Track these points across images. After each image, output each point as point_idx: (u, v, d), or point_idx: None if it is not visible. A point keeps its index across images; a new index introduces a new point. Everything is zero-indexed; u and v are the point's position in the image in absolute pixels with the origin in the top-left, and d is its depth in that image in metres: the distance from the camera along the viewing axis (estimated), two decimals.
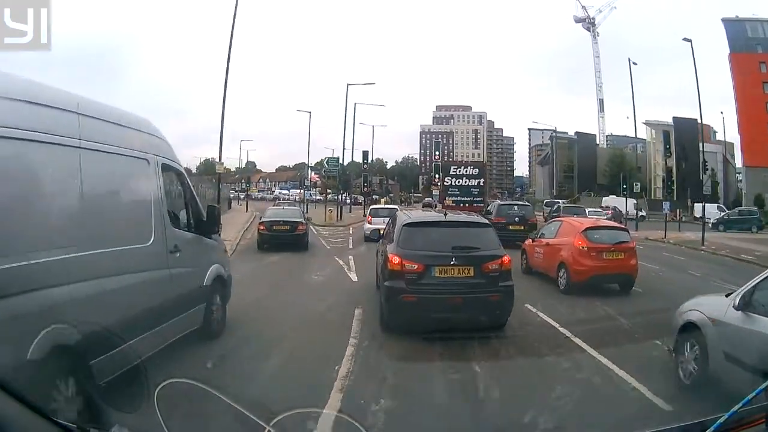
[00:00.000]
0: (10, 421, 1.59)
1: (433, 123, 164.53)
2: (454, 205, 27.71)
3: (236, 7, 19.27)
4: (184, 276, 5.97)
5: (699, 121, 26.69)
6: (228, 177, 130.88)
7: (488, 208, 22.71)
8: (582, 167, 69.69)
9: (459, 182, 30.70)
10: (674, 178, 45.23)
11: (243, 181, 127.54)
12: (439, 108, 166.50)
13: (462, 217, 9.28)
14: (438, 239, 7.70)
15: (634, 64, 31.69)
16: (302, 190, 46.28)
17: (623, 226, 13.35)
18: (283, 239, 16.71)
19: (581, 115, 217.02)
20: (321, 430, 2.53)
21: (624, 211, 34.09)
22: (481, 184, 29.96)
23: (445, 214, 8.70)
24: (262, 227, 17.43)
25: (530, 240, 13.46)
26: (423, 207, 35.33)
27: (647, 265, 14.21)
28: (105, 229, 4.62)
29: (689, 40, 24.69)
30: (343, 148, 34.87)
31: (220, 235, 7.67)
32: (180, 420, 2.71)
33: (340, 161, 35.58)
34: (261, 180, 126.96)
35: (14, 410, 1.65)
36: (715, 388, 4.82)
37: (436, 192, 35.10)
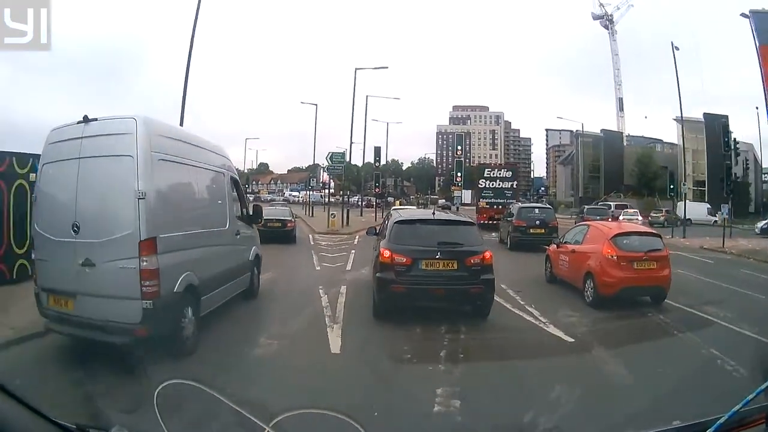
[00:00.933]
0: (10, 422, 1.65)
1: (449, 123, 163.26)
2: (488, 207, 30.14)
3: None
4: (241, 252, 8.97)
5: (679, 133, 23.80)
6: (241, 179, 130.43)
7: (510, 210, 22.55)
8: (607, 167, 66.67)
9: (493, 184, 31.83)
10: (705, 178, 42.47)
11: (253, 182, 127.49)
12: (456, 108, 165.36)
13: (448, 216, 10.37)
14: (425, 235, 8.50)
15: (676, 48, 28.87)
16: (307, 191, 44.66)
17: (655, 232, 12.02)
18: (275, 234, 19.35)
19: (597, 115, 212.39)
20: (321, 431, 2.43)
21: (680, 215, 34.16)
22: (514, 186, 31.01)
23: (434, 213, 9.58)
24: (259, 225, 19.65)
25: (555, 246, 12.71)
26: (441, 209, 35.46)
27: (750, 293, 12.38)
28: (209, 217, 7.53)
29: (677, 48, 22.49)
30: (351, 143, 31.02)
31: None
32: (180, 420, 2.94)
33: (348, 158, 32.27)
34: (272, 181, 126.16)
35: (14, 410, 1.71)
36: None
37: (457, 192, 32.94)
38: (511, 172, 32.44)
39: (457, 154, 33.61)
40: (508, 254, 18.71)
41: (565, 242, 12.06)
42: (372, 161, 39.28)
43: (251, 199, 53.72)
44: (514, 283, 11.84)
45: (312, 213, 41.05)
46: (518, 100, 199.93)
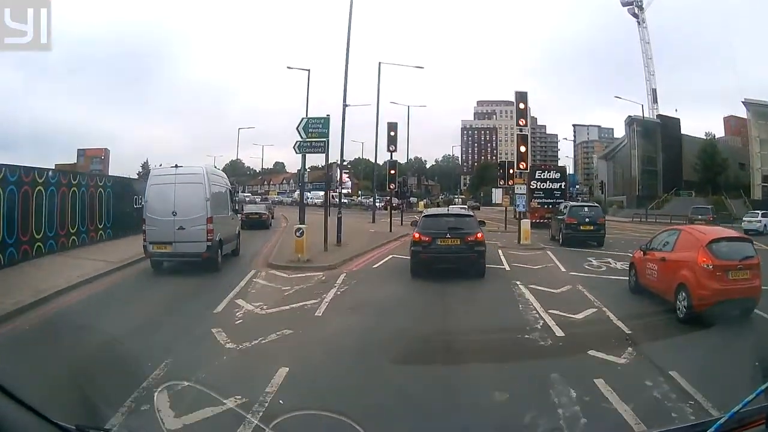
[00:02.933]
0: (10, 422, 1.71)
1: (474, 119, 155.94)
2: (539, 206, 32.90)
3: None
4: (234, 227, 17.56)
5: None
6: (250, 179, 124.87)
7: (561, 209, 24.00)
8: (665, 160, 57.77)
9: (543, 186, 34.71)
10: None
11: (265, 183, 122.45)
12: (480, 103, 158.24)
13: (457, 211, 17.50)
14: (441, 223, 14.24)
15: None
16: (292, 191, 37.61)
17: (747, 237, 11.29)
18: (255, 222, 28.86)
19: (625, 111, 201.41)
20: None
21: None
22: (562, 187, 33.47)
23: (448, 209, 18.93)
24: (243, 217, 25.76)
25: (641, 252, 11.81)
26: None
27: None
28: (224, 209, 15.96)
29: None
30: (343, 111, 20.98)
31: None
32: (180, 421, 3.37)
33: (339, 124, 21.82)
34: (285, 181, 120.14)
35: (14, 411, 1.77)
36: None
37: (519, 190, 25.88)
38: (559, 174, 35.17)
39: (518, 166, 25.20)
40: (565, 251, 19.76)
41: (652, 248, 11.36)
42: (396, 160, 32.05)
43: (258, 201, 56.88)
44: (594, 290, 12.11)
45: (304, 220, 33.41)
46: (543, 95, 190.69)
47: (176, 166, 14.70)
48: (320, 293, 11.77)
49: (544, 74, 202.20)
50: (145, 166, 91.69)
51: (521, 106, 20.94)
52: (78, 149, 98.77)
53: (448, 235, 13.53)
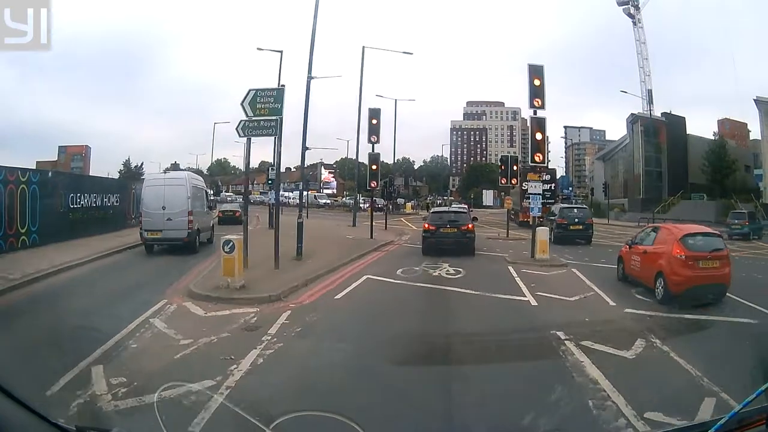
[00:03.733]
0: (10, 422, 1.71)
1: (463, 119, 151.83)
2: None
3: None
4: (209, 220, 21.84)
5: None
6: (235, 178, 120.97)
7: (552, 210, 25.45)
8: (670, 160, 53.34)
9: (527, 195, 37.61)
10: None
11: (251, 182, 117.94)
12: (470, 104, 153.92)
13: (455, 209, 25.64)
14: (443, 217, 19.09)
15: None
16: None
17: (717, 232, 12.45)
18: (229, 218, 30.06)
19: (618, 113, 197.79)
20: None
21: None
22: (552, 188, 30.28)
23: (449, 207, 35.60)
24: (220, 214, 31.00)
25: (627, 246, 13.49)
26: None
27: None
28: (199, 205, 19.43)
29: None
30: (308, 84, 19.40)
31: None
32: (180, 422, 3.23)
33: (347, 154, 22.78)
34: (269, 181, 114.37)
35: (14, 412, 1.76)
36: None
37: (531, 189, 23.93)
38: (549, 176, 32.87)
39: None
40: (592, 268, 16.28)
41: (636, 243, 12.86)
42: (384, 160, 27.35)
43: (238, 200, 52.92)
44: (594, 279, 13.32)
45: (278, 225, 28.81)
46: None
47: (166, 171, 28.42)
48: (232, 357, 6.84)
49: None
50: (127, 164, 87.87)
51: (536, 82, 16.19)
52: (59, 146, 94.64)
53: (448, 226, 18.56)
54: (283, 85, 14.42)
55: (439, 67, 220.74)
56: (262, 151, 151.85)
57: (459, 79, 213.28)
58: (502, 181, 25.40)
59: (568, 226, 23.85)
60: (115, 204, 25.37)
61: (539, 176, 17.00)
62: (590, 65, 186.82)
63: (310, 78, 16.70)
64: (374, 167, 24.05)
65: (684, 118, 56.19)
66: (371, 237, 24.30)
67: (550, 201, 28.64)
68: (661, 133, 53.61)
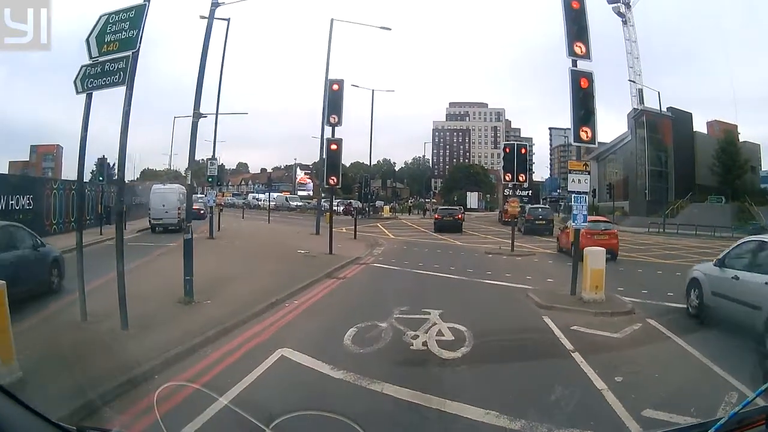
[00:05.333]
0: (11, 423, 1.66)
1: (446, 119, 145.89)
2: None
3: None
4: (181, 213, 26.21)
5: None
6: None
7: (522, 209, 29.97)
8: (676, 160, 47.40)
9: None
10: None
11: (225, 184, 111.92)
12: (453, 104, 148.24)
13: (452, 209, 38.57)
14: (447, 211, 36.39)
15: None
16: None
17: (608, 219, 24.79)
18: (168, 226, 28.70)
19: (613, 111, 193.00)
20: None
21: None
22: (530, 193, 35.75)
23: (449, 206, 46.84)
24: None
25: (559, 230, 22.03)
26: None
27: None
28: (180, 204, 25.82)
29: None
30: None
31: None
32: (179, 422, 3.13)
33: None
34: (243, 182, 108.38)
35: (14, 412, 1.73)
36: None
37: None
38: (527, 183, 38.96)
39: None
40: (524, 237, 28.05)
41: (565, 227, 19.64)
42: (364, 162, 22.59)
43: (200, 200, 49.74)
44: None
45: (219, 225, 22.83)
46: (517, 98, 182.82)
47: (164, 184, 33.59)
48: None
49: (519, 76, 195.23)
50: (103, 162, 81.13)
51: (575, 4, 9.95)
52: (31, 146, 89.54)
53: (447, 216, 33.59)
54: (146, 2, 7.84)
55: (421, 68, 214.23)
56: (246, 153, 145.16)
57: (442, 80, 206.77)
58: (506, 178, 18.95)
59: (534, 221, 31.53)
60: (27, 207, 19.73)
61: (584, 166, 10.60)
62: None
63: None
64: (334, 146, 16.84)
65: (690, 113, 50.64)
66: (330, 252, 17.75)
67: (529, 202, 35.02)
68: (666, 130, 47.75)
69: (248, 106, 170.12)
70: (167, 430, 2.23)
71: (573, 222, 10.38)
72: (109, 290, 7.96)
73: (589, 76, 10.35)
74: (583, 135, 9.94)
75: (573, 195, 10.31)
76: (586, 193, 10.30)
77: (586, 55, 10.55)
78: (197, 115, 9.90)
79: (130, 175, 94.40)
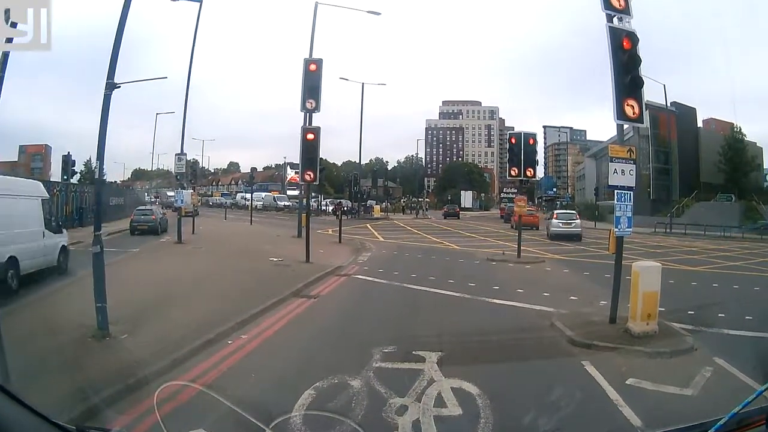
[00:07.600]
0: (11, 423, 1.63)
1: (439, 118, 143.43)
2: (504, 207, 56.25)
3: None
4: (166, 217, 29.85)
5: None
6: (199, 180, 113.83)
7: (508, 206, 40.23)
8: (681, 157, 45.05)
9: (507, 195, 57.38)
10: None
11: (214, 183, 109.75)
12: (446, 103, 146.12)
13: (453, 206, 62.18)
14: (449, 207, 60.09)
15: None
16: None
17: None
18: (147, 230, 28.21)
19: (598, 117, 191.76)
20: None
21: None
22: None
23: (451, 204, 67.82)
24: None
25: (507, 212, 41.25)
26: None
27: None
28: (160, 209, 34.54)
29: None
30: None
31: None
32: (179, 421, 3.00)
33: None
34: (234, 182, 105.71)
35: (15, 412, 1.69)
36: None
37: None
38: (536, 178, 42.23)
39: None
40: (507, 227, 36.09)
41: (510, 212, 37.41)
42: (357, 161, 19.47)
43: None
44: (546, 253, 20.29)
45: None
46: (511, 97, 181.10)
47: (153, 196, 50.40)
48: None
49: (514, 75, 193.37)
50: (88, 165, 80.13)
51: None
52: (20, 146, 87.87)
53: (450, 210, 56.47)
54: None
55: (414, 67, 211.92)
56: (236, 152, 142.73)
57: (435, 79, 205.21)
58: (512, 172, 16.33)
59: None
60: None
61: (629, 153, 8.13)
62: (571, 67, 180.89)
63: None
64: (310, 136, 14.14)
65: (695, 109, 48.44)
66: (307, 260, 15.15)
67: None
68: (671, 126, 45.44)
69: (243, 106, 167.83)
70: (167, 429, 2.15)
71: (616, 227, 7.89)
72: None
73: (632, 35, 7.84)
74: (628, 110, 7.51)
75: (615, 191, 7.82)
76: (632, 188, 7.89)
77: (625, 10, 8.08)
78: (110, 86, 7.31)
79: (121, 175, 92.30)
